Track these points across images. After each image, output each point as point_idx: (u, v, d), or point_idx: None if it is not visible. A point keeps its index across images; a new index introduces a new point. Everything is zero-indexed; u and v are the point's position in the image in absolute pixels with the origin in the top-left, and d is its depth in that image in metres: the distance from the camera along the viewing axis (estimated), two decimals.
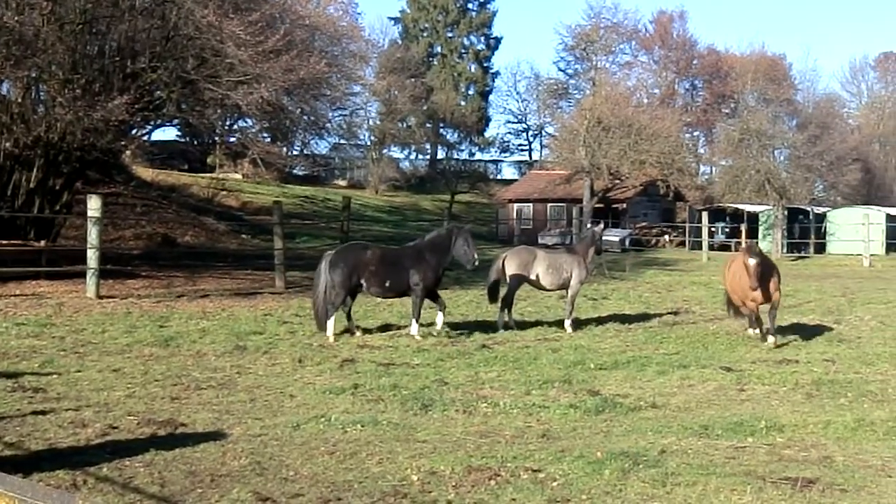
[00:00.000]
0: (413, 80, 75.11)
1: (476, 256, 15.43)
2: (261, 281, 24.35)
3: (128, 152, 39.03)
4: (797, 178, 52.50)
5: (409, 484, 6.90)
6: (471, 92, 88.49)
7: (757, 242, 15.96)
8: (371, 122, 75.95)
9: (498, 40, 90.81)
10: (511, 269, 16.40)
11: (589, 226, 19.73)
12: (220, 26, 21.53)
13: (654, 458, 7.55)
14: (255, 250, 34.67)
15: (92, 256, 19.78)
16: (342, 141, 69.98)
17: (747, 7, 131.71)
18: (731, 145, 56.56)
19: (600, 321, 17.50)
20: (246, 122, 31.85)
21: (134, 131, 26.69)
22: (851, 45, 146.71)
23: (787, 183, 51.46)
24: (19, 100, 22.96)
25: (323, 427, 8.66)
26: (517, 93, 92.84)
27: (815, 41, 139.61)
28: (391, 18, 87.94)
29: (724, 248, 47.81)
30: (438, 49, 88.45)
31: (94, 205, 20.15)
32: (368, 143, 79.32)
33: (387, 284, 15.09)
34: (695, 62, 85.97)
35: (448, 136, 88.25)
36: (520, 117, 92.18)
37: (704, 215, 48.27)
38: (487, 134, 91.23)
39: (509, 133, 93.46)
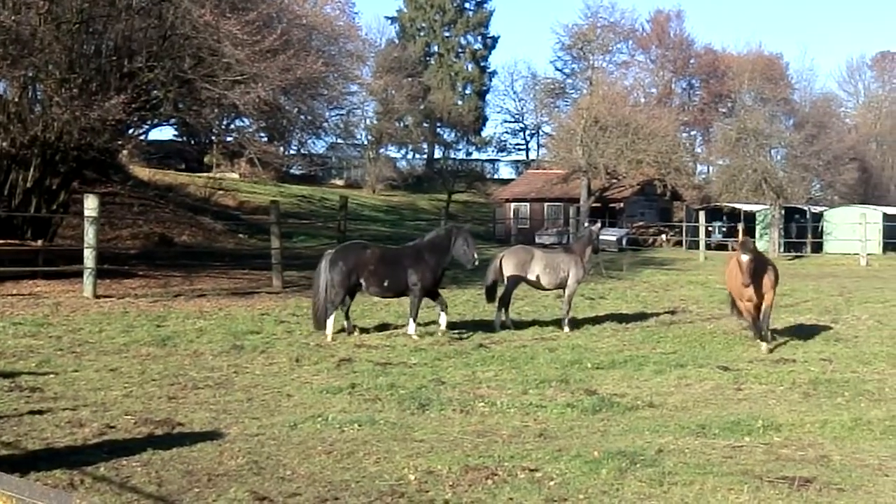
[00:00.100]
0: (410, 79, 75.06)
1: (476, 256, 15.44)
2: (258, 280, 24.35)
3: (125, 152, 39.05)
4: (794, 178, 52.52)
5: (407, 483, 6.90)
6: (468, 91, 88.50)
7: (754, 241, 15.79)
8: (368, 122, 76.09)
9: (495, 40, 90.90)
10: (508, 268, 16.41)
11: (586, 225, 19.72)
12: (217, 26, 21.50)
13: (651, 457, 7.55)
14: (252, 250, 34.69)
15: (89, 256, 19.75)
16: (339, 140, 70.09)
17: (744, 6, 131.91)
18: (727, 145, 56.56)
19: (597, 320, 17.51)
20: (243, 121, 31.84)
21: (131, 131, 26.68)
22: (848, 45, 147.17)
23: (784, 182, 51.47)
24: (16, 99, 22.95)
25: (320, 426, 8.65)
26: (514, 92, 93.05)
27: (812, 40, 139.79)
28: (388, 18, 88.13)
29: (721, 247, 47.79)
30: (435, 48, 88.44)
31: (90, 204, 20.12)
32: (365, 143, 79.37)
33: (385, 284, 15.10)
34: (692, 61, 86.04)
35: (445, 136, 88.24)
36: (517, 117, 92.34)
37: (701, 215, 48.27)
38: (484, 133, 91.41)
39: (506, 132, 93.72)
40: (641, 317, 18.20)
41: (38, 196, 23.43)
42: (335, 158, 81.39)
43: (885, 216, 50.12)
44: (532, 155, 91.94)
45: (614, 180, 61.74)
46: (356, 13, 54.73)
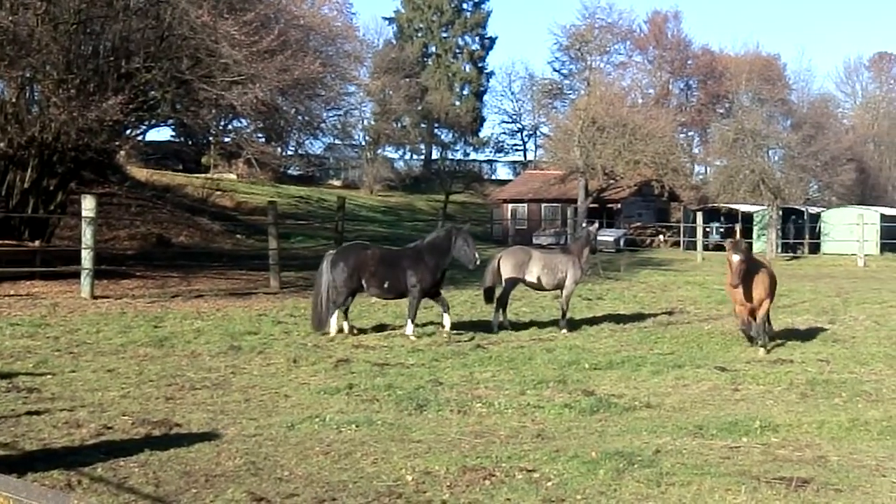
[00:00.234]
0: (408, 80, 75.02)
1: (477, 256, 15.43)
2: (255, 281, 24.36)
3: (122, 152, 39.03)
4: (791, 179, 52.58)
5: (404, 484, 6.90)
6: (465, 92, 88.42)
7: (750, 244, 15.74)
8: (366, 123, 76.00)
9: (492, 40, 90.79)
10: (506, 269, 16.41)
11: (584, 226, 19.73)
12: (215, 26, 21.51)
13: (648, 457, 7.55)
14: (250, 250, 34.70)
15: (86, 257, 19.74)
16: (337, 141, 69.91)
17: (742, 7, 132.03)
18: (725, 145, 56.64)
19: (595, 321, 17.52)
20: (240, 122, 31.77)
21: (128, 131, 26.67)
22: (846, 46, 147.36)
23: (781, 183, 51.52)
24: (13, 100, 22.94)
25: (318, 427, 8.65)
26: (512, 93, 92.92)
27: (809, 41, 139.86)
28: (386, 18, 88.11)
29: (719, 248, 47.80)
30: (433, 49, 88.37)
31: (88, 205, 20.12)
32: (363, 144, 79.30)
33: (385, 285, 15.14)
34: (689, 62, 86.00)
35: (443, 137, 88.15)
36: (514, 117, 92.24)
37: (699, 215, 48.31)
38: (482, 134, 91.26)
39: (504, 133, 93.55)
40: (639, 317, 18.21)
41: (35, 197, 23.42)
42: (333, 159, 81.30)
43: (883, 217, 50.17)
44: (530, 156, 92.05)
45: (612, 181, 61.77)
46: (354, 14, 54.86)
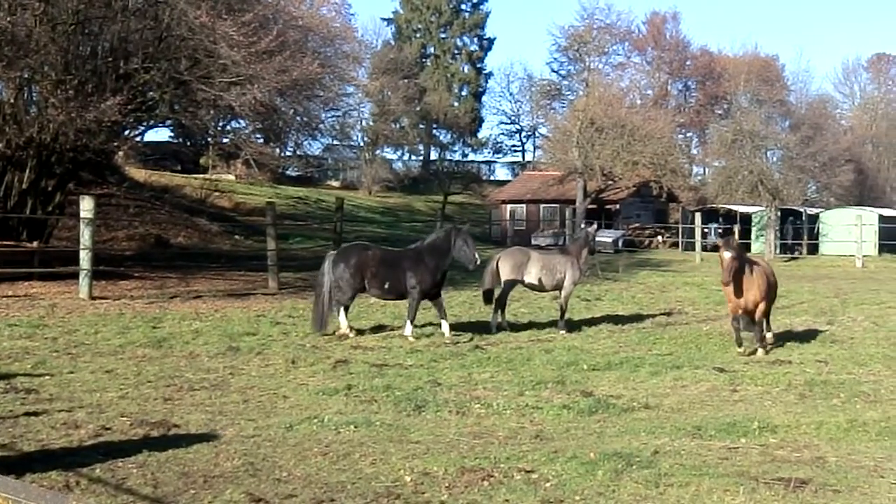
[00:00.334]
0: (406, 80, 75.03)
1: (477, 256, 15.42)
2: (254, 282, 24.36)
3: (120, 153, 39.04)
4: (790, 179, 52.58)
5: (403, 485, 6.90)
6: (464, 93, 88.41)
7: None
8: (364, 123, 75.96)
9: (491, 41, 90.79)
10: (505, 270, 16.41)
11: (582, 227, 19.72)
12: (213, 27, 21.51)
13: (647, 458, 7.55)
14: (248, 251, 34.71)
15: (84, 257, 19.74)
16: (335, 142, 69.92)
17: (740, 8, 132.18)
18: (723, 146, 56.65)
19: (593, 322, 17.53)
20: (239, 122, 31.79)
21: (127, 132, 26.65)
22: (844, 47, 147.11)
23: (779, 184, 51.52)
24: (12, 100, 22.94)
25: (316, 428, 8.65)
26: (510, 94, 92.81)
27: (808, 42, 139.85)
28: (384, 19, 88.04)
29: (717, 249, 47.80)
30: (431, 50, 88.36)
31: (86, 206, 20.11)
32: (361, 144, 79.26)
33: (386, 286, 15.18)
34: (688, 63, 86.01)
35: (441, 137, 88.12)
36: (513, 118, 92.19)
37: (697, 216, 48.27)
38: (480, 135, 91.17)
39: (502, 134, 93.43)
40: (637, 318, 18.22)
41: (33, 197, 23.42)
42: (331, 160, 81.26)
43: (881, 218, 50.15)
44: (528, 156, 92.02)
45: (610, 182, 61.74)
46: (352, 15, 54.91)
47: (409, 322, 15.06)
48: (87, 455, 7.48)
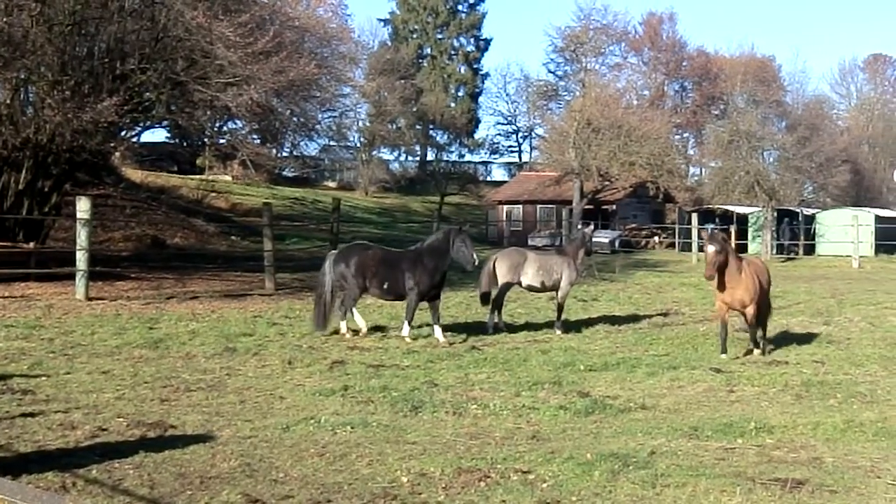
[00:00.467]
0: (403, 81, 75.02)
1: (475, 257, 15.40)
2: (250, 283, 24.33)
3: (117, 154, 38.96)
4: (786, 180, 52.65)
5: (399, 485, 6.90)
6: (460, 93, 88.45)
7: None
8: (361, 124, 75.87)
9: (488, 42, 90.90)
10: (501, 270, 16.41)
11: (579, 227, 19.74)
12: (210, 28, 21.50)
13: (643, 459, 7.56)
14: (245, 252, 34.66)
15: (81, 258, 19.72)
16: (332, 142, 69.87)
17: (737, 9, 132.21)
18: (720, 147, 56.72)
19: (590, 322, 17.54)
20: (235, 123, 31.78)
21: (123, 133, 26.61)
22: (841, 47, 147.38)
23: (776, 184, 51.60)
24: (8, 101, 22.89)
25: (313, 429, 8.65)
26: (507, 94, 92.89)
27: (804, 43, 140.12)
28: (381, 20, 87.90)
29: None
30: (428, 51, 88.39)
31: (83, 206, 20.10)
32: (358, 145, 79.21)
33: (385, 286, 15.21)
34: (684, 64, 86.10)
35: (438, 138, 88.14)
36: (509, 119, 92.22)
37: (694, 217, 48.30)
38: (477, 135, 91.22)
39: (499, 135, 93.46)
40: (634, 319, 18.23)
41: (30, 198, 23.39)
42: (328, 160, 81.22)
43: (878, 218, 50.23)
44: (525, 157, 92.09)
45: (607, 182, 61.81)
46: (349, 15, 54.83)
47: (406, 323, 15.07)
48: (83, 456, 7.47)
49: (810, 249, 50.05)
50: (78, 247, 19.96)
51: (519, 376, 11.68)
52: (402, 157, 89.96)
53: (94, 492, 6.59)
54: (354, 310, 15.36)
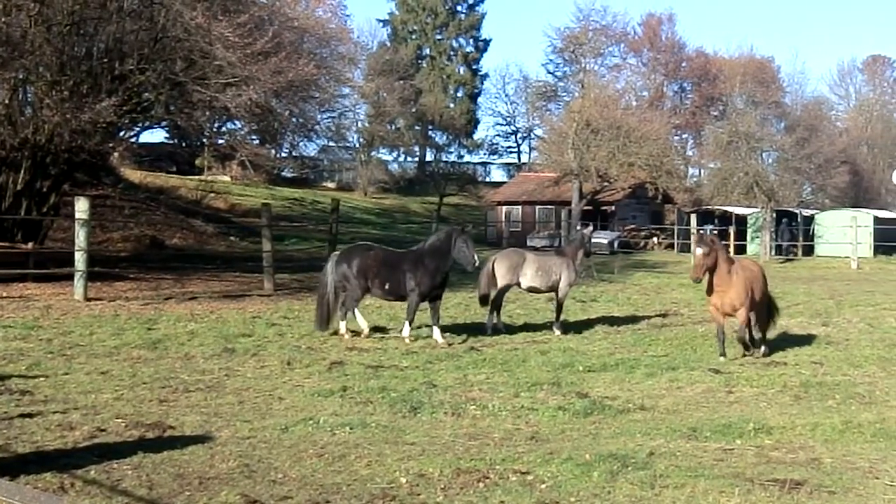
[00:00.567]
0: (402, 82, 75.07)
1: (476, 258, 15.38)
2: (249, 283, 24.32)
3: (116, 154, 38.93)
4: (785, 181, 52.73)
5: (398, 486, 6.89)
6: (459, 94, 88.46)
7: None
8: (360, 125, 75.90)
9: (487, 42, 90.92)
10: (500, 271, 16.41)
11: (578, 228, 19.74)
12: (209, 28, 21.48)
13: (642, 460, 7.55)
14: (244, 253, 34.65)
15: (79, 259, 19.71)
16: (331, 143, 69.85)
17: (736, 10, 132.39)
18: (719, 148, 56.79)
19: (589, 323, 17.54)
20: (234, 124, 31.75)
21: (122, 133, 26.60)
22: (840, 48, 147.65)
23: (775, 185, 51.67)
24: (6, 101, 22.85)
25: (311, 429, 8.64)
26: (506, 95, 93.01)
27: (803, 44, 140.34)
28: (380, 21, 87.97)
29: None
30: (427, 51, 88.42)
31: (81, 207, 20.08)
32: (357, 146, 79.20)
33: (387, 287, 15.22)
34: (683, 65, 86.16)
35: (437, 139, 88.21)
36: (508, 119, 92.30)
37: (693, 218, 48.29)
38: (476, 136, 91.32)
39: (498, 135, 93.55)
40: (633, 320, 18.23)
41: (28, 198, 23.36)
42: (327, 161, 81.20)
43: (876, 219, 50.20)
44: (524, 158, 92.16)
45: (606, 183, 61.80)
46: (348, 16, 54.86)
47: (407, 323, 15.07)
48: (81, 457, 7.46)
49: (809, 250, 50.06)
50: (76, 247, 19.95)
51: (518, 377, 11.67)
52: (401, 158, 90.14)
53: (93, 492, 6.58)
54: (357, 311, 15.36)
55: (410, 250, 16.03)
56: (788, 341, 15.14)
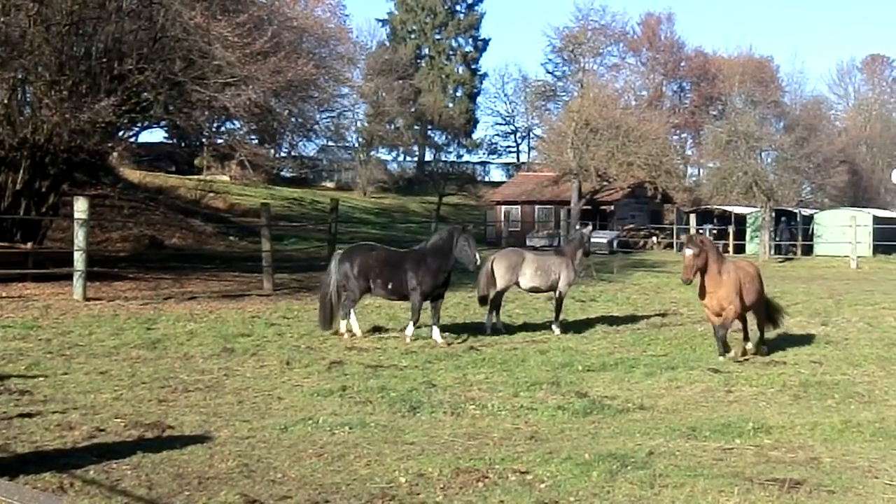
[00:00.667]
0: (401, 81, 75.05)
1: (477, 257, 15.36)
2: (248, 283, 24.31)
3: (115, 154, 38.95)
4: (784, 181, 52.65)
5: (398, 486, 6.89)
6: (458, 94, 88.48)
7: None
8: (359, 124, 75.98)
9: (486, 42, 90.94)
10: (500, 271, 16.40)
11: (577, 228, 19.73)
12: (208, 28, 21.48)
13: (641, 459, 7.55)
14: (243, 252, 34.65)
15: (79, 258, 19.70)
16: (330, 143, 69.94)
17: (735, 9, 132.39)
18: (718, 147, 56.68)
19: (588, 323, 17.54)
20: (233, 123, 31.74)
21: (121, 133, 26.60)
22: (839, 48, 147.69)
23: (774, 185, 51.58)
24: (5, 101, 22.84)
25: (311, 429, 8.64)
26: (505, 95, 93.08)
27: (802, 43, 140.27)
28: (379, 20, 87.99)
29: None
30: (426, 51, 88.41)
31: (80, 207, 20.07)
32: (356, 145, 79.23)
33: (389, 286, 15.22)
34: (682, 64, 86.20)
35: (436, 138, 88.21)
36: (508, 119, 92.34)
37: (692, 217, 48.39)
38: (475, 136, 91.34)
39: (497, 135, 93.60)
40: (632, 319, 18.23)
41: (27, 198, 23.35)
42: (326, 161, 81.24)
43: (875, 219, 50.22)
44: (523, 157, 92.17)
45: (605, 183, 61.79)
46: (347, 16, 54.84)
47: (411, 323, 15.07)
48: (81, 457, 7.46)
49: (808, 250, 50.08)
50: (75, 247, 19.94)
51: (517, 377, 11.67)
52: (401, 158, 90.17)
53: (92, 492, 6.58)
54: (352, 312, 15.33)
55: (413, 249, 16.03)
56: (788, 341, 15.15)
